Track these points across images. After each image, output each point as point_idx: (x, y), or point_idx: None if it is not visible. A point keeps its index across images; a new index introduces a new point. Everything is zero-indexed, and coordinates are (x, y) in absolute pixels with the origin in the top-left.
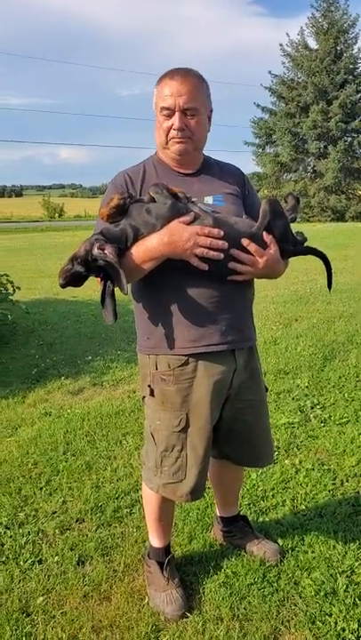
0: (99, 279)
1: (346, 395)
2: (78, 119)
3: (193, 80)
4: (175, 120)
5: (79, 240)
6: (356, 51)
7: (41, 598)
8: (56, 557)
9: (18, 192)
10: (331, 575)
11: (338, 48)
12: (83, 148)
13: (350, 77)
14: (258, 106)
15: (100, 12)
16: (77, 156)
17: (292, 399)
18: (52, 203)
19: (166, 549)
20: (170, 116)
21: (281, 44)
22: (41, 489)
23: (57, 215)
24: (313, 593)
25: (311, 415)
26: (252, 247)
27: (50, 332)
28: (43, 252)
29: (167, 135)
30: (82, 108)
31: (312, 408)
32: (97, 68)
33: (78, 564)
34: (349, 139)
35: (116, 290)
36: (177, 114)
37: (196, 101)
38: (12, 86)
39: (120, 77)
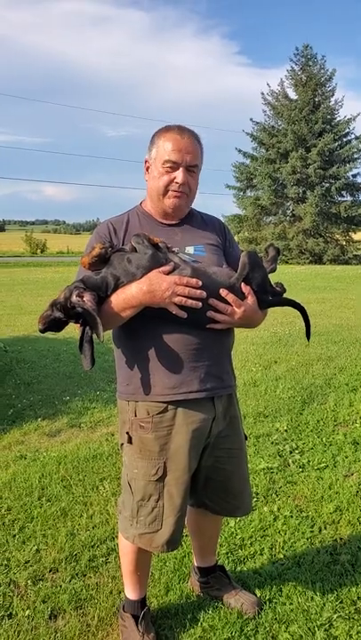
0: (78, 324)
1: (324, 439)
2: (66, 158)
3: (197, 141)
4: (179, 175)
5: (61, 276)
6: (333, 102)
7: None
8: (27, 611)
9: (0, 227)
10: (309, 629)
11: (316, 99)
12: (68, 186)
13: (328, 127)
14: (239, 151)
15: (91, 56)
16: (62, 194)
17: (272, 443)
18: (34, 238)
19: (142, 602)
20: (173, 170)
21: (263, 93)
22: (14, 536)
23: (39, 251)
24: None
25: (290, 460)
26: (230, 297)
27: (28, 370)
28: (23, 288)
29: (166, 187)
30: (69, 147)
31: (291, 452)
32: (87, 110)
33: (50, 617)
34: (327, 184)
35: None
36: (182, 169)
37: (198, 160)
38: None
39: (108, 119)
